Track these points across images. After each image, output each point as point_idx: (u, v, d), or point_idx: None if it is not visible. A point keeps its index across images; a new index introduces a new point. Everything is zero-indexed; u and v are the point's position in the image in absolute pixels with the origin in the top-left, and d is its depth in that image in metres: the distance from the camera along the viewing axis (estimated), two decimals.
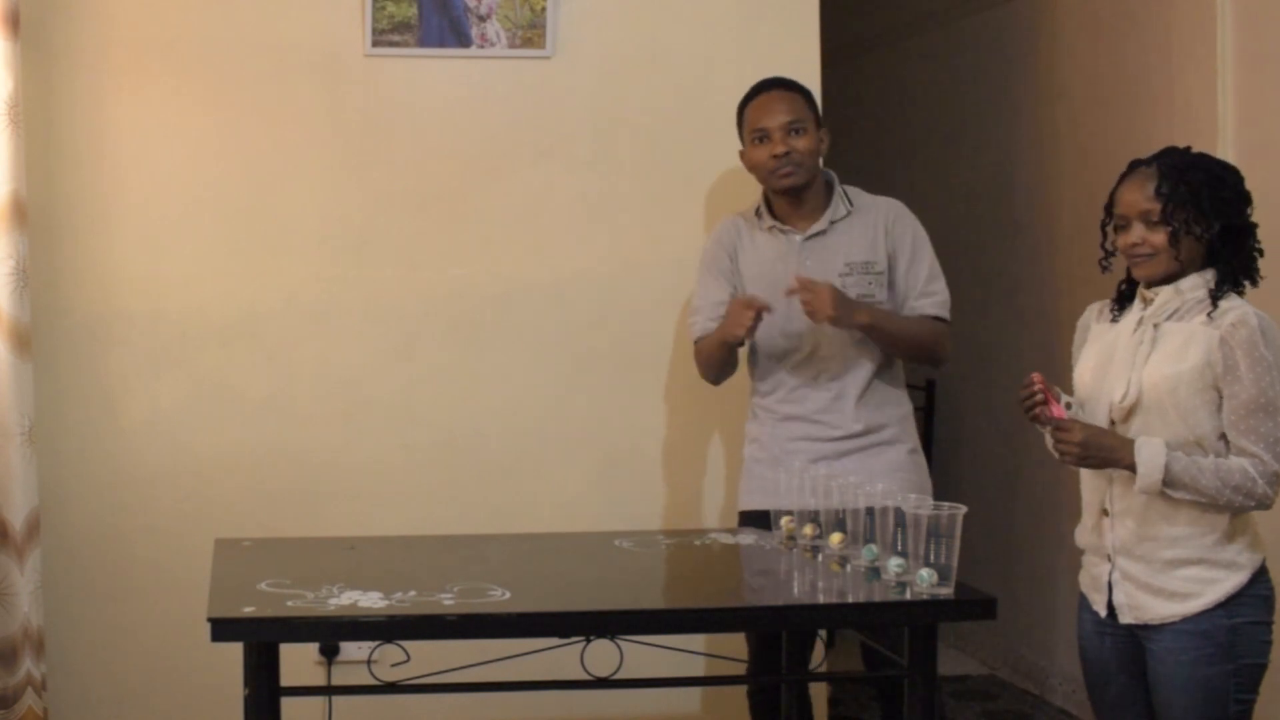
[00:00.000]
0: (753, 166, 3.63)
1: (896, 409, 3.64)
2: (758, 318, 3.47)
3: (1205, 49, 3.96)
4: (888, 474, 3.41)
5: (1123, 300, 3.03)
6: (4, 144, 3.68)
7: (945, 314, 3.61)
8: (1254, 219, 2.93)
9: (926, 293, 3.60)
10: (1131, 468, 2.84)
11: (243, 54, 3.95)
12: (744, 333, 3.50)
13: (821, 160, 3.65)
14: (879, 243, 3.59)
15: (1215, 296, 2.87)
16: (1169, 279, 2.92)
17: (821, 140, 3.62)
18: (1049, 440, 3.03)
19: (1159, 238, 2.89)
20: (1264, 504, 2.82)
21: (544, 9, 3.97)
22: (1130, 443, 2.85)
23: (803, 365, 3.61)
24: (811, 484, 3.16)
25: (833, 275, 3.54)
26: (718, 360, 3.64)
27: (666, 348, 4.09)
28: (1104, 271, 3.03)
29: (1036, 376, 2.94)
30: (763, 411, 3.68)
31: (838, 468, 3.36)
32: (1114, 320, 3.02)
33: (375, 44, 3.95)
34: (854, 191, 3.67)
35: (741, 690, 3.72)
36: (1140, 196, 2.91)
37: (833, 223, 3.60)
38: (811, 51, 4.11)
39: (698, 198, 4.10)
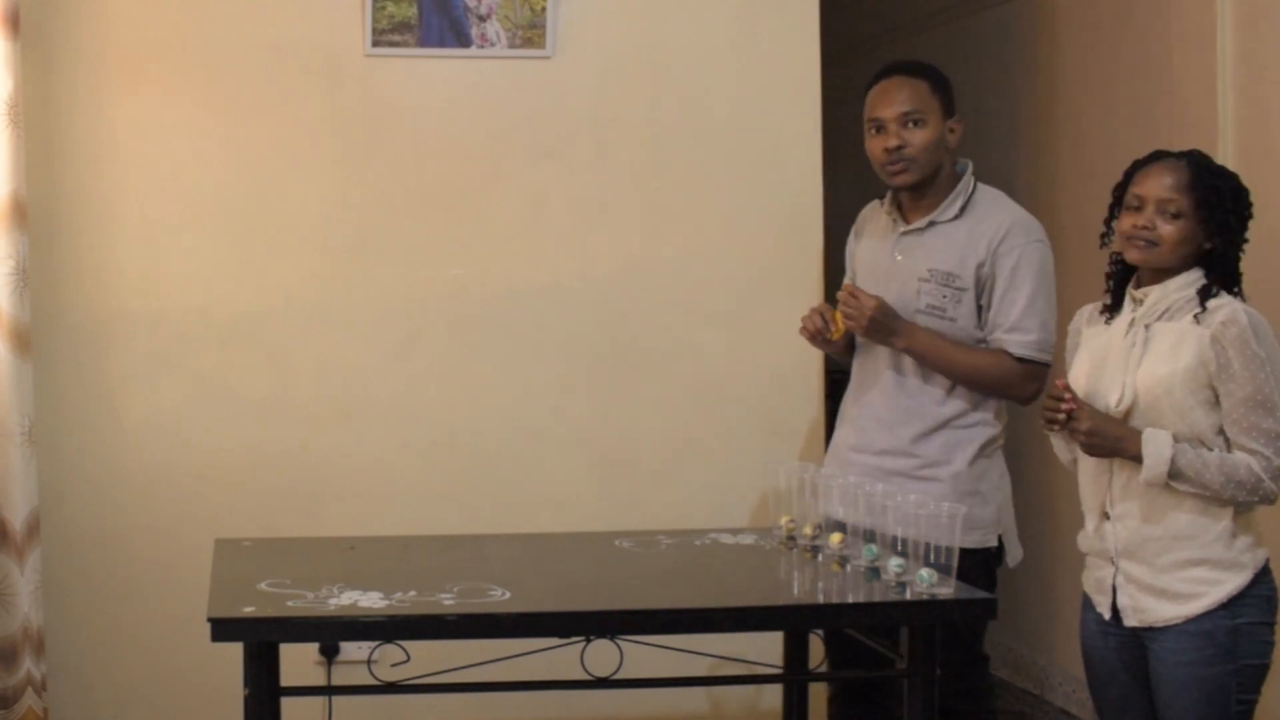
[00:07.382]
0: (870, 157, 3.46)
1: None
2: (826, 326, 3.41)
3: (1205, 49, 3.95)
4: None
5: (1114, 302, 3.02)
6: (4, 144, 3.68)
7: (1032, 355, 3.35)
8: (1249, 228, 2.93)
9: (1016, 328, 3.34)
10: (1137, 458, 2.84)
11: (242, 54, 3.95)
12: (806, 335, 3.45)
13: (954, 150, 3.43)
14: (971, 258, 3.36)
15: (1203, 296, 2.86)
16: (1158, 274, 2.91)
17: (951, 131, 3.39)
18: (1055, 441, 3.03)
19: (1170, 229, 2.88)
20: (1269, 499, 2.83)
21: (544, 9, 3.97)
22: (1137, 433, 2.85)
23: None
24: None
25: (913, 277, 3.40)
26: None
27: (666, 348, 4.08)
28: (1102, 247, 3.02)
29: (1061, 383, 2.94)
30: None
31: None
32: (1107, 323, 3.02)
33: (375, 44, 3.95)
34: (987, 194, 3.45)
35: (742, 691, 3.71)
36: (1165, 185, 2.89)
37: (934, 223, 3.41)
38: (811, 51, 4.10)
39: (697, 198, 4.09)
